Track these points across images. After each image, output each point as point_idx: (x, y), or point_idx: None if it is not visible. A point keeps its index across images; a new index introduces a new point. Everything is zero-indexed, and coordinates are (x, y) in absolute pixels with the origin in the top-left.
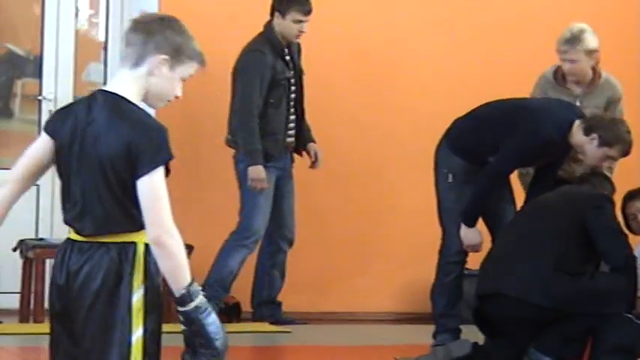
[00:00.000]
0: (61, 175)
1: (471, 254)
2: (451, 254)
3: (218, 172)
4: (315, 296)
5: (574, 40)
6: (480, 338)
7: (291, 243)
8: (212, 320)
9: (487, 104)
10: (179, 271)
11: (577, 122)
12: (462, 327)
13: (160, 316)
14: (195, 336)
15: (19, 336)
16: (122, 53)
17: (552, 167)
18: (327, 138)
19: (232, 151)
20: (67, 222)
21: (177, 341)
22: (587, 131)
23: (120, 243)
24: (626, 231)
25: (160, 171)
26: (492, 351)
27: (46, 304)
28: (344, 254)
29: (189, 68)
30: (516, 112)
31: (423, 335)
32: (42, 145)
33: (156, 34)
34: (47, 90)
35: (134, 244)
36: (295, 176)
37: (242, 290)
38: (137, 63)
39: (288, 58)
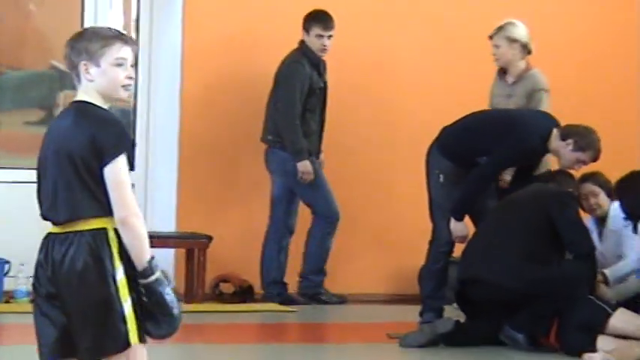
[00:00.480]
0: (38, 178)
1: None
2: (441, 244)
3: (235, 171)
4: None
5: (500, 28)
6: (461, 317)
7: (292, 232)
8: (169, 291)
9: (474, 114)
10: (142, 247)
11: (555, 130)
12: (444, 307)
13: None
14: (156, 306)
15: None
16: None
17: (530, 168)
18: (332, 140)
19: (247, 152)
20: (43, 216)
21: (201, 319)
22: (564, 137)
23: (92, 230)
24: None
25: (122, 159)
26: (472, 328)
27: None
28: (344, 243)
29: (112, 53)
30: (504, 123)
31: (411, 314)
32: None
33: (68, 54)
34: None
35: (105, 229)
36: None
37: (254, 274)
38: (78, 80)
39: (321, 70)
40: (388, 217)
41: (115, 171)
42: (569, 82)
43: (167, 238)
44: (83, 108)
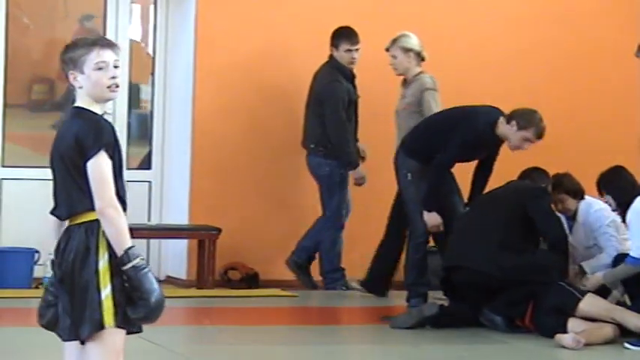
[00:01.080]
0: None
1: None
2: (418, 236)
3: (242, 170)
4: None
5: (394, 40)
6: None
7: (347, 214)
8: (148, 278)
9: (430, 116)
10: (119, 236)
11: (501, 118)
12: (429, 292)
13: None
14: (134, 290)
15: None
16: None
17: (489, 160)
18: None
19: (254, 153)
20: (51, 212)
21: (211, 303)
22: (508, 120)
23: (87, 222)
24: None
25: (102, 155)
26: (455, 311)
27: None
28: (344, 237)
29: (92, 59)
30: (456, 117)
31: (401, 299)
32: None
33: (61, 67)
34: (107, 106)
35: (97, 221)
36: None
37: (259, 263)
38: (73, 88)
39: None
40: (380, 216)
41: (96, 166)
42: (568, 82)
43: (180, 230)
44: (76, 113)
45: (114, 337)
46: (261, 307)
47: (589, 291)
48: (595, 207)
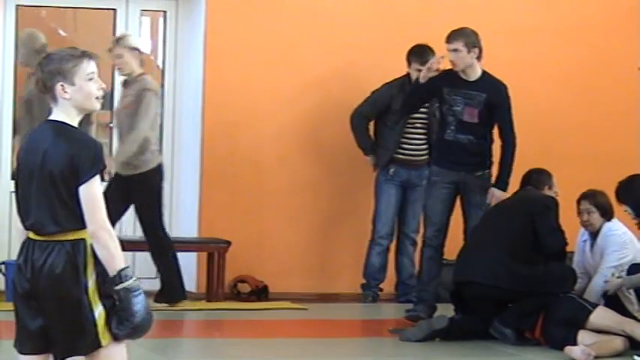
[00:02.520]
0: (17, 192)
1: (449, 247)
2: (427, 237)
3: (251, 183)
4: (329, 281)
5: (118, 39)
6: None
7: (412, 241)
8: (138, 301)
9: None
10: (111, 258)
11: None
12: (439, 306)
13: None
14: (122, 311)
15: None
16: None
17: (501, 129)
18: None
19: (262, 166)
20: (27, 228)
21: (220, 316)
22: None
23: (72, 240)
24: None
25: (96, 179)
26: (465, 324)
27: None
28: (352, 249)
29: (83, 71)
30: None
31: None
32: None
33: (42, 78)
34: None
35: (83, 240)
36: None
37: (268, 275)
38: (54, 101)
39: None
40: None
41: (90, 189)
42: (576, 94)
43: (190, 243)
44: (61, 129)
45: (114, 351)
46: (270, 319)
47: (605, 296)
48: (614, 231)
